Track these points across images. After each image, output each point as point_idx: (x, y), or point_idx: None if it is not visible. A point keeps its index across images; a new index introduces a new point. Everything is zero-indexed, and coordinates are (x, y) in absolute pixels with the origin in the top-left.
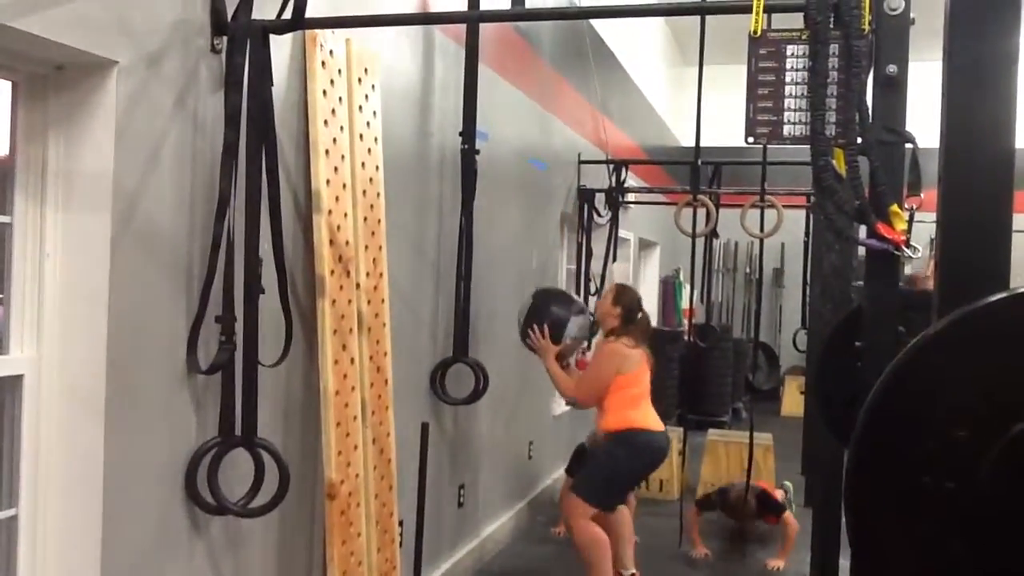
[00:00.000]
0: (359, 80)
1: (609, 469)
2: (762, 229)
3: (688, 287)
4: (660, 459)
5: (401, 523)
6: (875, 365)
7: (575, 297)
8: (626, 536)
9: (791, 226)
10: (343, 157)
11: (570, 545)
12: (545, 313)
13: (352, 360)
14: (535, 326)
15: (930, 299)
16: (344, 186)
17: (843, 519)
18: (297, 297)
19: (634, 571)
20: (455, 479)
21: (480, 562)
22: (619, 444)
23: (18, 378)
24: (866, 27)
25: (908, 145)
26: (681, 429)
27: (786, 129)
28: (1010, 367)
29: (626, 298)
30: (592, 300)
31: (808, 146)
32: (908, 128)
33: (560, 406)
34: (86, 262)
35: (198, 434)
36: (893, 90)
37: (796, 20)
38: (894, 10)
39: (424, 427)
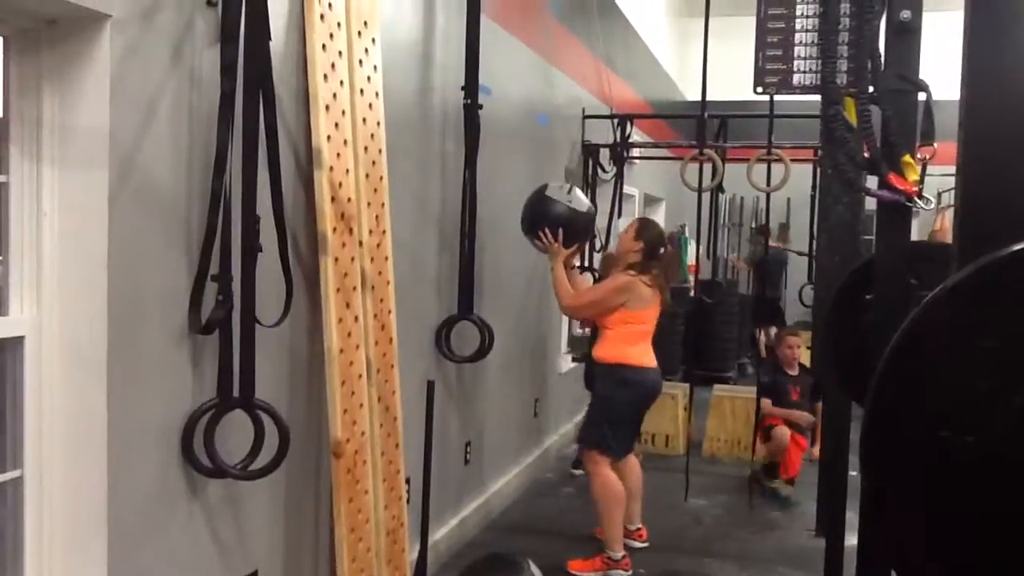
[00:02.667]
0: (359, 33)
1: (607, 411)
2: (769, 183)
3: (694, 243)
4: (653, 393)
5: (408, 480)
6: (886, 317)
7: (547, 188)
8: (634, 492)
9: (798, 180)
10: (344, 112)
11: (577, 498)
12: (540, 216)
13: (356, 319)
14: (546, 229)
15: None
16: (345, 142)
17: (850, 472)
18: (299, 255)
19: (640, 526)
20: (461, 436)
21: (487, 518)
22: (610, 379)
23: (19, 339)
24: None
25: (921, 95)
26: (687, 385)
27: (796, 78)
28: None
29: (649, 232)
30: (597, 257)
31: (818, 96)
32: (921, 77)
33: (566, 363)
34: (84, 220)
35: (198, 395)
36: (907, 37)
37: None
38: None
39: (430, 385)
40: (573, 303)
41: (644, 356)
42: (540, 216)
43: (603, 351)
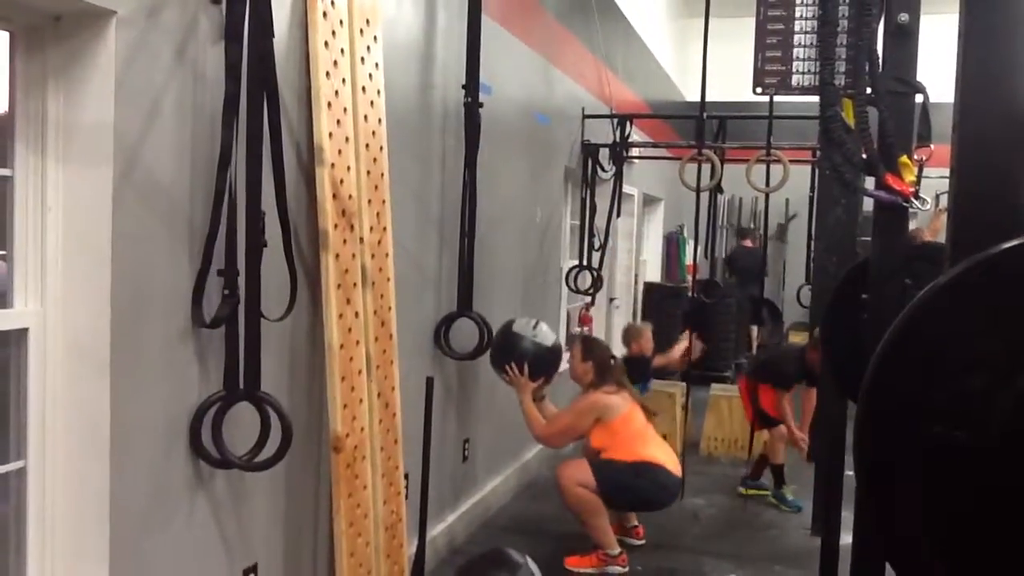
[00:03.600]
0: (361, 32)
1: (629, 493)
2: (767, 184)
3: (692, 243)
4: (669, 502)
5: (407, 476)
6: (882, 317)
7: (517, 322)
8: None
9: (796, 181)
10: (345, 110)
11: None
12: (507, 351)
13: (356, 314)
14: (512, 364)
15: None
16: (347, 139)
17: (846, 472)
18: (301, 251)
19: (636, 524)
20: (460, 433)
21: (485, 515)
22: (641, 475)
23: (23, 332)
24: None
25: (919, 96)
26: (684, 384)
27: (795, 79)
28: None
29: (595, 353)
30: (596, 256)
31: (816, 97)
32: (918, 79)
33: (564, 363)
34: (88, 215)
35: (203, 388)
36: (904, 39)
37: None
38: None
39: (429, 381)
40: (545, 433)
41: (661, 453)
42: (506, 351)
43: (619, 454)
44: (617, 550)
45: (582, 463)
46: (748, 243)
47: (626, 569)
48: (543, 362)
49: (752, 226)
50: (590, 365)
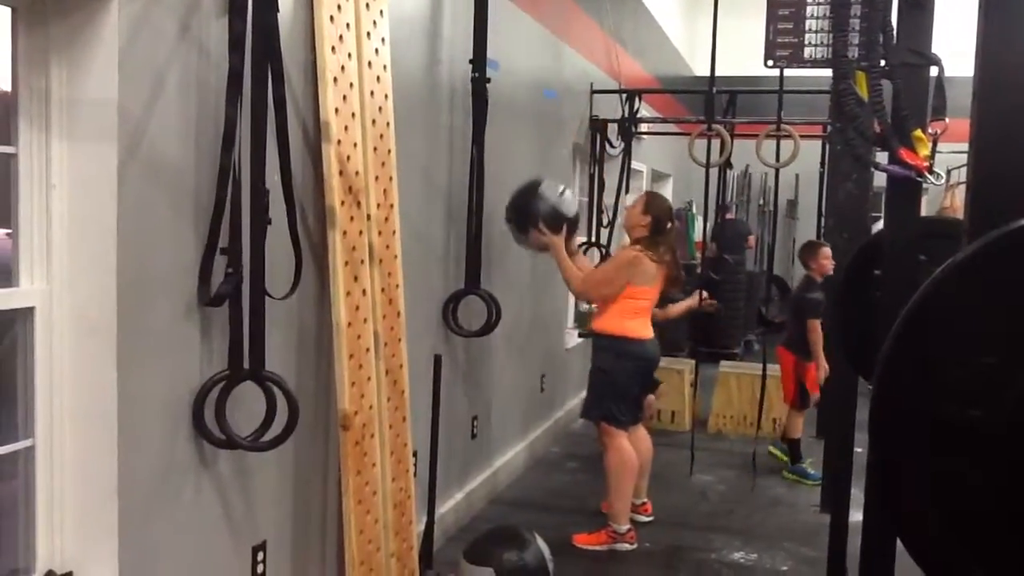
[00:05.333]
0: (367, 5)
1: (610, 384)
2: (778, 159)
3: (701, 219)
4: (654, 363)
5: (415, 453)
6: (895, 293)
7: (543, 183)
8: (644, 465)
9: (806, 156)
10: (352, 85)
11: (583, 473)
12: (533, 213)
13: (364, 292)
14: (531, 229)
15: (951, 227)
16: (353, 115)
17: (855, 449)
18: (307, 229)
19: (645, 500)
20: (468, 410)
21: (493, 492)
22: (610, 352)
23: (29, 310)
24: None
25: (933, 69)
26: (693, 361)
27: (807, 52)
28: None
29: (656, 206)
30: (604, 232)
31: (829, 70)
32: (933, 52)
33: (573, 338)
34: (93, 192)
35: (208, 367)
36: (919, 10)
37: None
38: None
39: (437, 359)
40: (583, 287)
41: (643, 329)
42: (527, 211)
43: (603, 323)
44: (627, 527)
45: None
46: (729, 215)
47: (635, 546)
48: (563, 218)
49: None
50: (648, 220)
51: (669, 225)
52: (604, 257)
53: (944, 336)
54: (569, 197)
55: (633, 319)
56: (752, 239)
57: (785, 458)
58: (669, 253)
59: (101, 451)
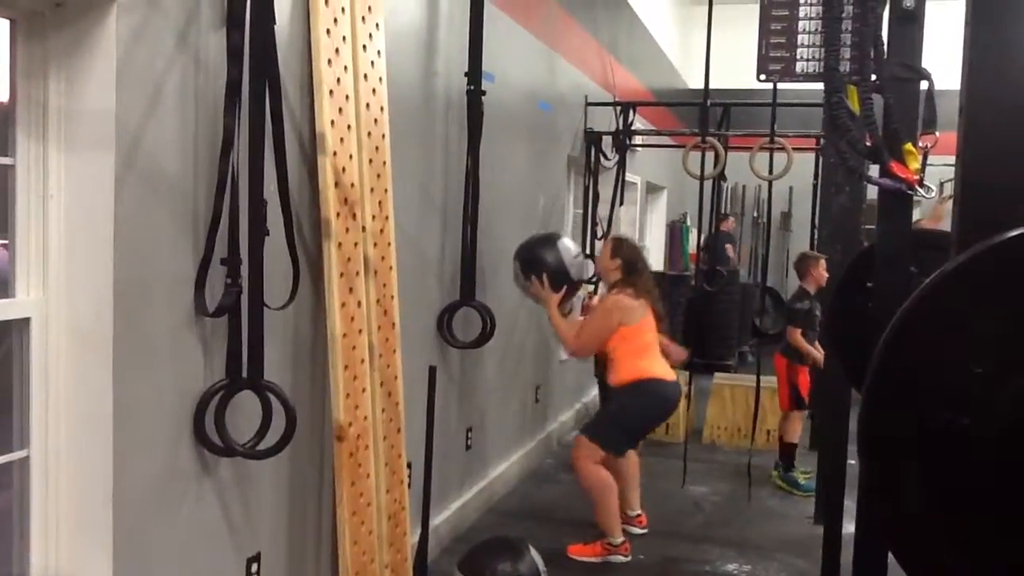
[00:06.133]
0: (363, 19)
1: (622, 418)
2: (771, 172)
3: (695, 231)
4: (672, 408)
5: (410, 465)
6: (887, 305)
7: (563, 240)
8: (633, 478)
9: (800, 169)
10: (347, 97)
11: (577, 484)
12: (542, 262)
13: (359, 303)
14: (534, 277)
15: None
16: (349, 127)
17: (848, 460)
18: (303, 240)
19: (639, 512)
20: (463, 422)
21: (488, 503)
22: (631, 394)
23: (25, 320)
24: None
25: (924, 83)
26: (687, 373)
27: (799, 66)
28: None
29: (624, 250)
30: (599, 244)
31: (820, 84)
32: (924, 66)
33: (589, 271)
34: (90, 203)
35: (206, 376)
36: (910, 25)
37: None
38: None
39: (432, 370)
40: (577, 343)
41: (658, 367)
42: (541, 260)
43: (619, 374)
44: (620, 539)
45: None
46: (725, 226)
47: (629, 558)
48: (569, 284)
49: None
50: (618, 263)
51: (640, 265)
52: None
53: (933, 345)
54: (581, 262)
55: (644, 358)
56: (730, 247)
57: (790, 488)
58: (648, 290)
59: (96, 461)
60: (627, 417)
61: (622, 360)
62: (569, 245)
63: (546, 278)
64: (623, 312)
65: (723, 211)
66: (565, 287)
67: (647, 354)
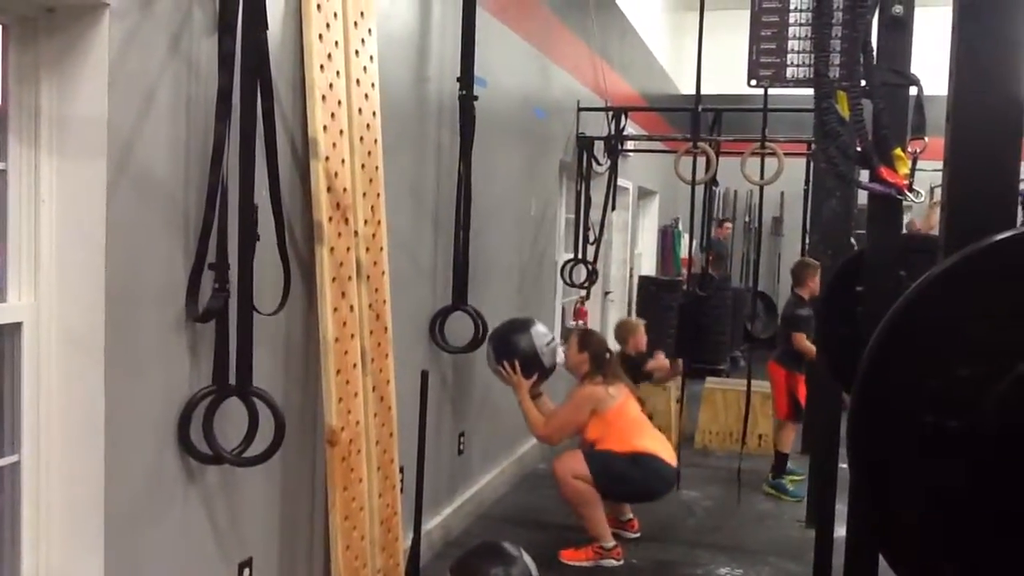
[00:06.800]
0: (355, 24)
1: (625, 484)
2: (762, 177)
3: (687, 236)
4: (666, 492)
5: (402, 469)
6: (876, 309)
7: (536, 326)
8: None
9: (791, 174)
10: (340, 102)
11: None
12: (514, 349)
13: (351, 308)
14: (505, 363)
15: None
16: (341, 132)
17: (839, 464)
18: (295, 245)
19: (631, 517)
20: (455, 427)
21: (480, 508)
22: (636, 466)
23: (16, 325)
24: None
25: (913, 89)
26: (679, 377)
27: (789, 72)
28: (1016, 306)
29: (591, 344)
30: (591, 249)
31: (811, 90)
32: (913, 71)
33: (559, 355)
34: (82, 208)
35: (195, 382)
36: (898, 31)
37: None
38: None
39: (424, 375)
40: (545, 431)
41: (660, 446)
42: (509, 349)
43: (614, 444)
44: (612, 543)
45: (577, 455)
46: (721, 232)
47: (621, 562)
48: (541, 372)
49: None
50: (586, 356)
51: (608, 355)
52: (590, 274)
53: (921, 348)
54: (553, 349)
55: (640, 436)
56: (712, 253)
57: (778, 494)
58: (618, 375)
59: (87, 466)
60: (630, 486)
61: (614, 436)
62: (542, 331)
63: (518, 364)
64: (595, 401)
65: (718, 216)
66: (536, 374)
67: (639, 431)
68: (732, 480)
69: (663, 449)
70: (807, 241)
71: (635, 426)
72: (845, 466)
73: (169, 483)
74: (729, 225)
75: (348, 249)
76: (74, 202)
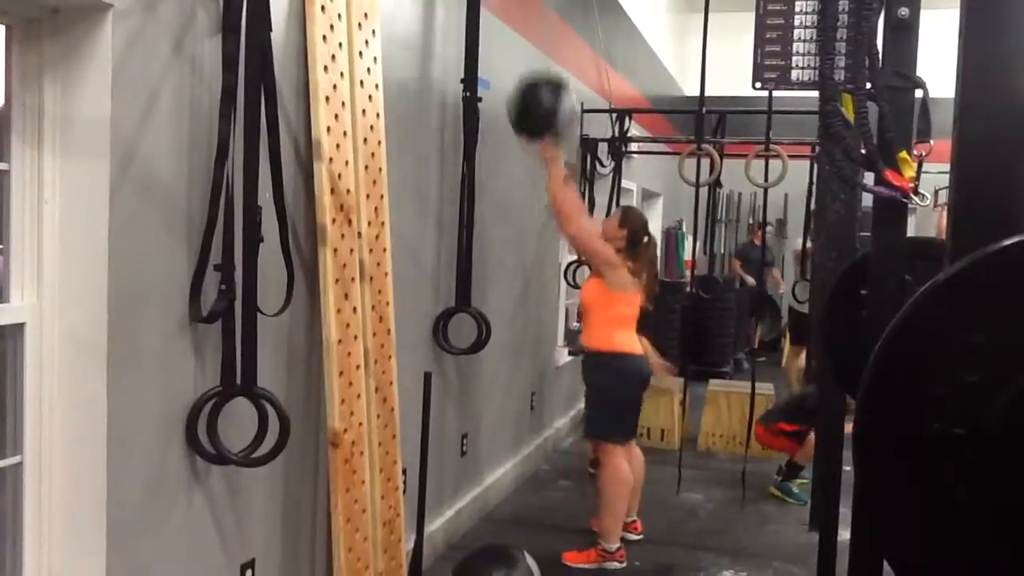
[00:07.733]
0: (359, 25)
1: (606, 401)
2: (766, 179)
3: (691, 238)
4: (647, 379)
5: (405, 471)
6: (881, 313)
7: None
8: (637, 481)
9: (795, 176)
10: (344, 104)
11: (573, 491)
12: (563, 110)
13: (354, 309)
14: (548, 135)
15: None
16: (345, 134)
17: (843, 469)
18: (299, 246)
19: (635, 518)
20: (458, 428)
21: (484, 510)
22: (603, 369)
23: (19, 326)
24: None
25: (918, 92)
26: (682, 380)
27: (794, 74)
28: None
29: (631, 220)
30: None
31: (815, 92)
32: (918, 74)
33: (563, 356)
34: (85, 209)
35: (200, 383)
36: (904, 34)
37: None
38: None
39: (427, 376)
40: (563, 203)
41: (632, 342)
42: (551, 104)
43: (592, 340)
44: (616, 545)
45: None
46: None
47: (624, 565)
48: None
49: (751, 222)
50: (625, 233)
51: (646, 239)
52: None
53: (926, 355)
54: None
55: (620, 330)
56: (776, 272)
57: (783, 496)
58: (647, 268)
59: (90, 467)
60: (611, 398)
61: (597, 326)
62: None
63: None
64: (614, 273)
65: (755, 219)
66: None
67: (622, 327)
68: (736, 483)
69: (633, 346)
70: (808, 242)
71: (619, 321)
72: (849, 469)
73: (172, 485)
74: (770, 229)
75: (351, 250)
76: (77, 203)
